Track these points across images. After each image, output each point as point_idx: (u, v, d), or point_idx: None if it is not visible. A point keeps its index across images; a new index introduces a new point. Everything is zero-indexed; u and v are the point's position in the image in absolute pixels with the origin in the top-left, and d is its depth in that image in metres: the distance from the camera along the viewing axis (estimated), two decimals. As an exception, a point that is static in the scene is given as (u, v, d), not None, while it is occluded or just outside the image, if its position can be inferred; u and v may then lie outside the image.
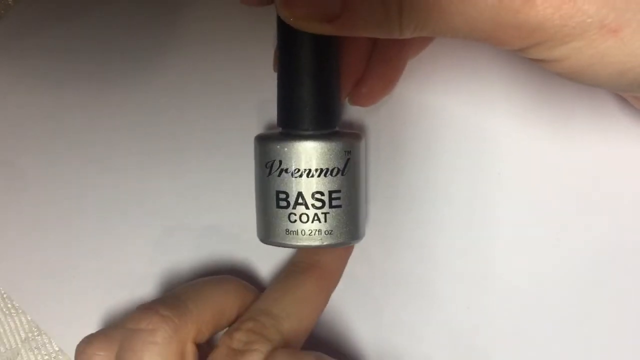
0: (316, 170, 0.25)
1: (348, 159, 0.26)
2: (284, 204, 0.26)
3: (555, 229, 0.31)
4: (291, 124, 0.26)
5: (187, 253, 0.32)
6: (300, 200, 0.25)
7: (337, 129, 0.27)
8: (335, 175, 0.26)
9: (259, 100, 0.31)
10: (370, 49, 0.28)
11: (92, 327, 0.32)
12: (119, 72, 0.32)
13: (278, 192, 0.26)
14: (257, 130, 0.30)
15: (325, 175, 0.25)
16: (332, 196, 0.26)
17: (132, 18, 0.32)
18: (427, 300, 0.31)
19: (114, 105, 0.32)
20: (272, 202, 0.26)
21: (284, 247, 0.26)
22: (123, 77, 0.32)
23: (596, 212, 0.30)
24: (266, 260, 0.32)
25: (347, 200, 0.26)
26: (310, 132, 0.26)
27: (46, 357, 0.33)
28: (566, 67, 0.22)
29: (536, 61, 0.22)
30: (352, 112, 0.31)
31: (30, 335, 0.33)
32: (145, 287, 0.32)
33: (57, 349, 0.33)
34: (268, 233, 0.26)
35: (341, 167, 0.26)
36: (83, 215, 0.32)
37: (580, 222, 0.30)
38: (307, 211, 0.25)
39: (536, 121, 0.30)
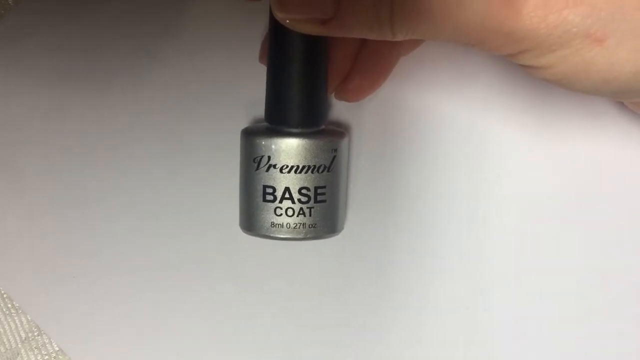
0: (304, 167, 0.26)
1: (334, 157, 0.27)
2: (270, 198, 0.26)
3: (554, 228, 0.31)
4: (280, 121, 0.27)
5: (187, 251, 0.32)
6: (287, 195, 0.26)
7: (323, 127, 0.27)
8: (322, 172, 0.27)
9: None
10: (359, 45, 0.28)
11: (92, 327, 0.32)
12: (119, 71, 0.32)
13: (265, 187, 0.26)
14: (240, 123, 0.30)
15: (312, 172, 0.26)
16: (318, 191, 0.27)
17: (131, 18, 0.32)
18: (426, 300, 0.31)
19: (113, 104, 0.32)
20: (259, 196, 0.27)
21: (268, 238, 0.27)
22: (123, 76, 0.32)
23: (595, 213, 0.30)
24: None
25: (331, 195, 0.27)
26: (299, 130, 0.26)
27: (46, 357, 0.33)
28: (553, 74, 0.22)
29: (524, 67, 0.23)
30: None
31: (30, 335, 0.33)
32: (145, 287, 0.32)
33: (57, 349, 0.33)
34: (252, 225, 0.27)
35: (327, 164, 0.27)
36: (83, 215, 0.32)
37: (580, 222, 0.30)
38: (293, 205, 0.26)
39: (532, 121, 0.30)
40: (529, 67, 0.23)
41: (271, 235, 0.27)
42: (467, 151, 0.31)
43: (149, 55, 0.32)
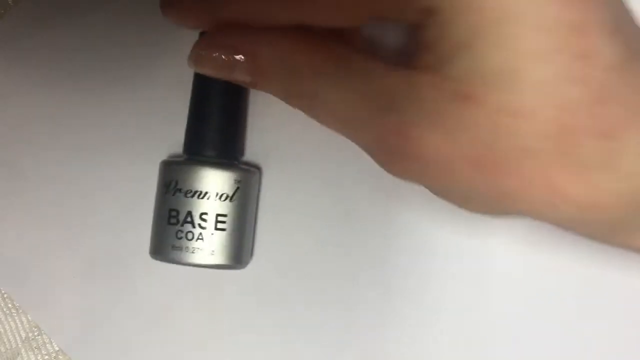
0: (206, 193, 0.28)
1: (237, 188, 0.28)
2: (174, 220, 0.28)
3: (556, 228, 0.31)
4: (193, 150, 0.29)
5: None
6: (188, 219, 0.28)
7: (235, 162, 0.29)
8: (224, 200, 0.28)
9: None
10: None
11: (92, 328, 0.32)
12: (119, 71, 0.32)
13: (170, 210, 0.28)
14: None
15: (214, 199, 0.28)
16: (218, 219, 0.28)
17: (132, 18, 0.32)
18: (426, 300, 0.31)
19: (114, 104, 0.32)
20: (165, 219, 0.28)
21: (169, 262, 0.28)
22: (123, 76, 0.32)
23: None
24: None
25: (232, 225, 0.28)
26: (210, 159, 0.28)
27: (46, 357, 0.33)
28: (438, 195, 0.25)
29: None
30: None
31: (30, 335, 0.33)
32: (145, 287, 0.32)
33: (57, 349, 0.33)
34: (157, 248, 0.29)
35: (230, 193, 0.28)
36: (83, 215, 0.32)
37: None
38: (193, 229, 0.28)
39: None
40: None
41: (172, 257, 0.28)
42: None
43: (149, 55, 0.32)
